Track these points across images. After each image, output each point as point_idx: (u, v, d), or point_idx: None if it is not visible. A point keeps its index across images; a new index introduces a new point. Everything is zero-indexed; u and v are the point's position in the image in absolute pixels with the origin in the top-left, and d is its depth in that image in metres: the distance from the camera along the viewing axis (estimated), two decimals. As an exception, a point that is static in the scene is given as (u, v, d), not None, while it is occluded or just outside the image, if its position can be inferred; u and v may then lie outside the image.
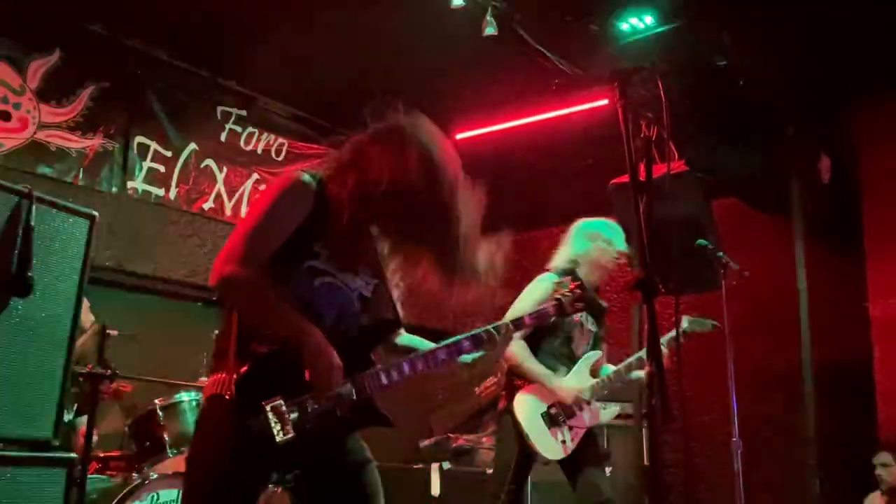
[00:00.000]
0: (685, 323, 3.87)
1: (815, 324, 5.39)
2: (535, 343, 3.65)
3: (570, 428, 3.58)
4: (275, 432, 1.94)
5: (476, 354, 2.31)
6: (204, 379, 4.15)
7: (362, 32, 5.09)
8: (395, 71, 5.44)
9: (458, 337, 2.25)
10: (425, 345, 2.29)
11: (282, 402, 1.96)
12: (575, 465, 3.59)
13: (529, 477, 3.74)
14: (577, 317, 3.68)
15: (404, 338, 2.34)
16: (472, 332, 2.27)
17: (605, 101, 5.43)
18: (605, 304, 3.96)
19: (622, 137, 2.25)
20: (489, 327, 2.29)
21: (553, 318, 2.53)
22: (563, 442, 3.56)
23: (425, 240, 2.17)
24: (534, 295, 3.65)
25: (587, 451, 3.61)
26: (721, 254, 3.96)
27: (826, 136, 5.72)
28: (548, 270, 3.84)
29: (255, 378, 1.98)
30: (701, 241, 3.97)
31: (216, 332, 2.22)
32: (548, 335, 3.67)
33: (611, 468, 5.20)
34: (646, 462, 4.92)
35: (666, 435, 1.92)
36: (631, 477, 5.08)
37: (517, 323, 2.36)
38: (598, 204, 6.23)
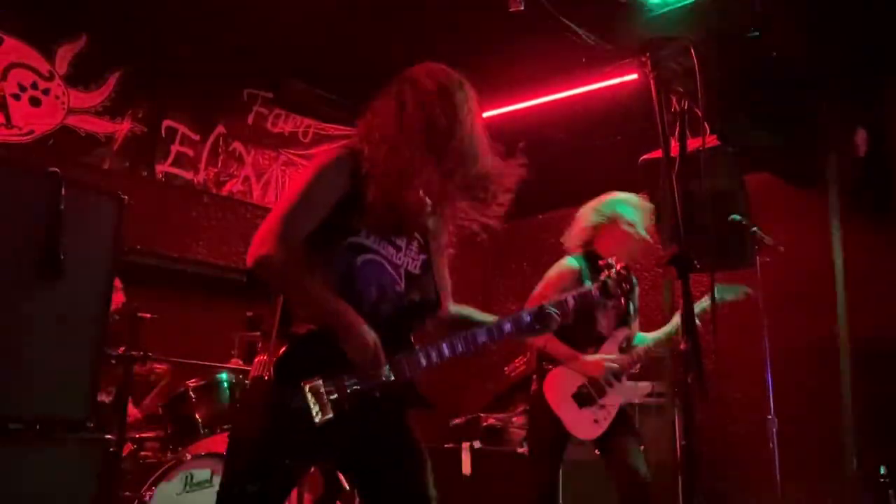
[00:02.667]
0: (717, 292, 3.78)
1: (851, 298, 5.29)
2: (560, 327, 3.61)
3: (602, 406, 3.55)
4: (313, 413, 1.94)
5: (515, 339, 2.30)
6: (237, 360, 4.19)
7: (388, 12, 5.05)
8: (420, 50, 5.39)
9: (501, 320, 2.22)
10: (478, 317, 2.27)
11: (321, 382, 1.96)
12: (609, 444, 3.57)
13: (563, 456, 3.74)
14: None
15: (459, 308, 2.31)
16: (515, 316, 2.23)
17: (634, 76, 5.34)
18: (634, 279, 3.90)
19: (651, 112, 2.20)
20: (533, 311, 2.25)
21: (598, 301, 2.44)
22: (596, 421, 3.53)
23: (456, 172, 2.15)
24: (552, 282, 3.61)
25: (621, 430, 3.58)
26: (755, 229, 3.89)
27: (862, 108, 5.58)
28: (566, 253, 3.77)
29: (294, 359, 1.99)
30: (734, 217, 3.91)
31: (248, 313, 2.24)
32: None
33: (642, 446, 5.18)
34: (678, 439, 4.89)
35: (700, 412, 1.88)
36: (663, 455, 5.05)
37: (561, 306, 2.31)
38: (628, 181, 6.17)
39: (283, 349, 1.99)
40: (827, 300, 5.32)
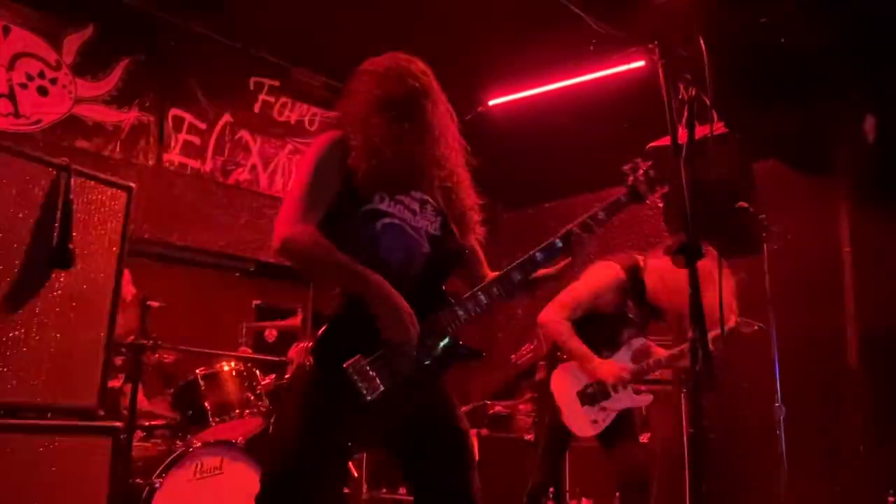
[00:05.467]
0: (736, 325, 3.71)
1: (859, 287, 5.28)
2: (582, 325, 3.60)
3: (603, 409, 3.56)
4: (363, 391, 1.95)
5: (549, 272, 2.28)
6: (245, 348, 4.21)
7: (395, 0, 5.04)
8: (427, 37, 5.37)
9: (531, 252, 2.21)
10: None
11: (362, 359, 1.97)
12: (611, 439, 3.58)
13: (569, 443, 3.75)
14: (634, 316, 3.61)
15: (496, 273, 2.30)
16: (544, 245, 2.22)
17: (641, 63, 5.32)
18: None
19: (659, 100, 2.19)
20: (560, 236, 2.24)
21: (626, 203, 2.40)
22: (595, 422, 3.55)
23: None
24: (594, 283, 3.57)
25: (624, 426, 3.59)
26: (763, 217, 3.88)
27: (871, 95, 5.54)
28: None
29: (332, 340, 2.01)
30: (742, 205, 3.89)
31: (256, 301, 2.25)
32: (595, 321, 3.61)
33: (649, 434, 5.20)
34: (685, 428, 4.89)
35: (707, 401, 1.88)
36: (670, 443, 5.06)
37: (586, 225, 2.27)
38: (635, 169, 6.16)
39: (321, 332, 2.01)
40: (835, 288, 5.31)
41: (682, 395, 5.06)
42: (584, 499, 4.92)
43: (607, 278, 3.58)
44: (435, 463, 2.15)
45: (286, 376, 3.85)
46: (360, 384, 1.95)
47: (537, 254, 2.21)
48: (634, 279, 3.60)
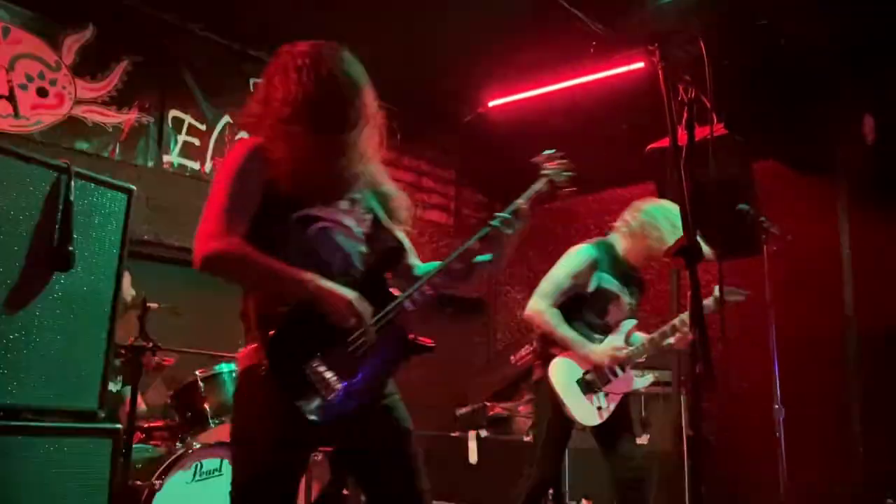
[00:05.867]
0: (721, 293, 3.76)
1: (859, 288, 5.29)
2: (569, 313, 3.62)
3: (606, 394, 3.56)
4: (322, 392, 1.95)
5: (486, 256, 2.26)
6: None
7: (392, 1, 5.04)
8: (426, 39, 5.39)
9: (467, 242, 2.21)
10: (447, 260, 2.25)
11: (319, 356, 1.97)
12: (608, 436, 3.58)
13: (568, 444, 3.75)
14: (612, 288, 3.66)
15: (421, 267, 2.30)
16: (478, 234, 2.22)
17: (640, 64, 5.32)
18: (644, 279, 3.90)
19: (658, 101, 2.19)
20: (490, 224, 2.23)
21: (546, 195, 2.43)
22: (599, 408, 3.54)
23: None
24: (569, 266, 3.63)
25: (620, 422, 3.59)
26: (763, 218, 3.88)
27: (870, 96, 5.55)
28: (571, 242, 3.79)
29: (284, 340, 1.97)
30: (742, 205, 3.90)
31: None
32: (582, 304, 3.64)
33: (649, 436, 5.20)
34: (685, 429, 4.90)
35: (707, 402, 1.89)
36: (669, 444, 5.07)
37: (516, 211, 2.26)
38: (634, 170, 6.16)
39: (271, 333, 1.96)
40: (834, 289, 5.32)
41: (682, 396, 5.06)
42: (584, 500, 4.93)
43: (579, 257, 3.65)
44: (382, 463, 2.14)
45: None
46: (318, 385, 1.95)
47: (474, 244, 2.21)
48: (605, 252, 3.68)
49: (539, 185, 2.41)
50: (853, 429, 5.14)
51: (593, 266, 3.63)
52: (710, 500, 1.93)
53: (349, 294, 2.00)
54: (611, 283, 3.66)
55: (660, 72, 2.15)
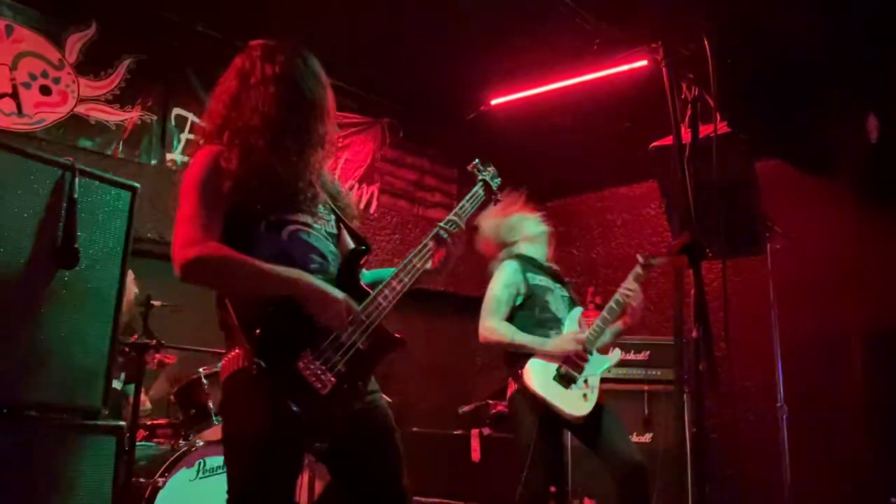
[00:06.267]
0: (641, 259, 3.79)
1: (863, 287, 5.28)
2: (519, 321, 3.67)
3: (585, 380, 3.57)
4: (317, 387, 1.95)
5: (434, 271, 2.32)
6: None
7: (395, -1, 5.04)
8: (428, 36, 5.38)
9: (424, 241, 2.28)
10: (390, 272, 2.26)
11: (309, 355, 1.97)
12: (595, 435, 3.56)
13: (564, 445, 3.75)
14: (541, 282, 3.76)
15: (366, 275, 2.30)
16: (431, 234, 2.30)
17: (643, 63, 5.31)
18: (560, 272, 3.99)
19: (660, 99, 2.20)
20: (440, 225, 2.31)
21: (485, 198, 2.55)
22: (585, 396, 3.55)
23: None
24: (500, 280, 3.73)
25: (604, 418, 3.58)
26: (766, 217, 3.88)
27: (873, 95, 5.54)
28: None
29: (272, 339, 1.95)
30: (746, 204, 3.90)
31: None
32: (526, 309, 3.71)
33: (651, 434, 5.20)
34: (687, 428, 4.90)
35: (709, 400, 1.89)
36: (672, 442, 5.06)
37: (460, 213, 2.37)
38: (637, 168, 6.16)
39: (257, 333, 1.93)
40: (838, 288, 5.31)
41: (684, 394, 5.06)
42: (586, 499, 4.93)
43: (506, 269, 3.76)
44: (369, 461, 2.14)
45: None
46: (312, 381, 1.95)
47: (429, 242, 2.27)
48: (522, 259, 3.81)
49: (478, 189, 2.52)
50: (856, 428, 5.14)
51: (520, 270, 3.75)
52: (713, 498, 1.93)
53: (340, 293, 2.03)
54: (540, 279, 3.77)
55: (663, 70, 2.15)
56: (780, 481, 3.76)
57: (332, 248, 2.22)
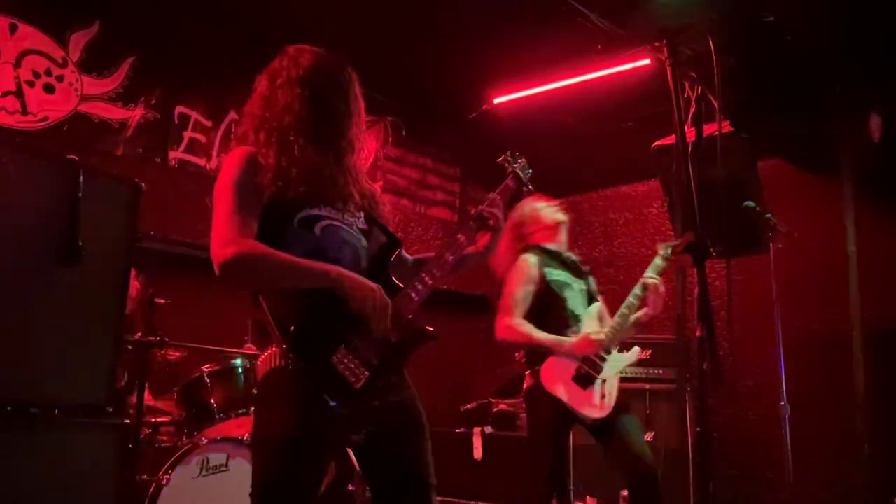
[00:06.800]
0: (661, 249, 3.77)
1: (864, 286, 5.28)
2: (537, 318, 3.64)
3: (604, 381, 3.55)
4: (351, 381, 1.97)
5: (473, 251, 2.39)
6: (250, 345, 4.22)
7: (399, -2, 5.04)
8: (431, 35, 5.38)
9: (455, 235, 2.32)
10: (429, 255, 2.35)
11: (343, 349, 1.99)
12: (611, 434, 3.56)
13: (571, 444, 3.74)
14: (560, 277, 3.72)
15: (412, 260, 2.39)
16: (462, 228, 2.33)
17: (646, 61, 5.31)
18: (581, 263, 3.95)
19: (663, 98, 2.20)
20: (472, 218, 2.36)
21: (515, 189, 2.59)
22: (603, 397, 3.53)
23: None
24: (517, 275, 3.70)
25: (620, 417, 3.57)
26: (769, 215, 3.88)
27: (876, 94, 5.54)
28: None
29: (307, 334, 1.99)
30: (748, 203, 3.90)
31: (250, 320, 2.22)
32: (543, 305, 3.67)
33: (653, 432, 5.20)
34: (689, 426, 4.90)
35: (712, 399, 1.90)
36: (674, 441, 5.07)
37: (492, 200, 2.41)
38: (639, 167, 6.16)
39: (292, 329, 1.97)
40: (840, 287, 5.31)
41: (687, 393, 5.06)
42: (588, 497, 4.93)
43: (525, 264, 3.71)
44: (398, 456, 2.15)
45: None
46: (347, 375, 1.97)
47: (459, 236, 2.31)
48: (541, 251, 3.77)
49: (511, 183, 2.57)
50: (859, 426, 5.14)
51: (537, 266, 3.70)
52: (715, 497, 1.94)
53: (373, 283, 2.05)
54: (559, 274, 3.72)
55: (667, 69, 2.15)
56: (783, 479, 3.76)
57: (364, 243, 2.24)
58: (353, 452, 2.28)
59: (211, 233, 2.06)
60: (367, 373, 2.00)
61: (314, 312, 2.02)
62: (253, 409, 3.63)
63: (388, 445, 2.15)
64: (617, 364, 3.61)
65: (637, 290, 3.62)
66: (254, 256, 2.00)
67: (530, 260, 3.73)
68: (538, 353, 3.60)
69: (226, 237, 2.01)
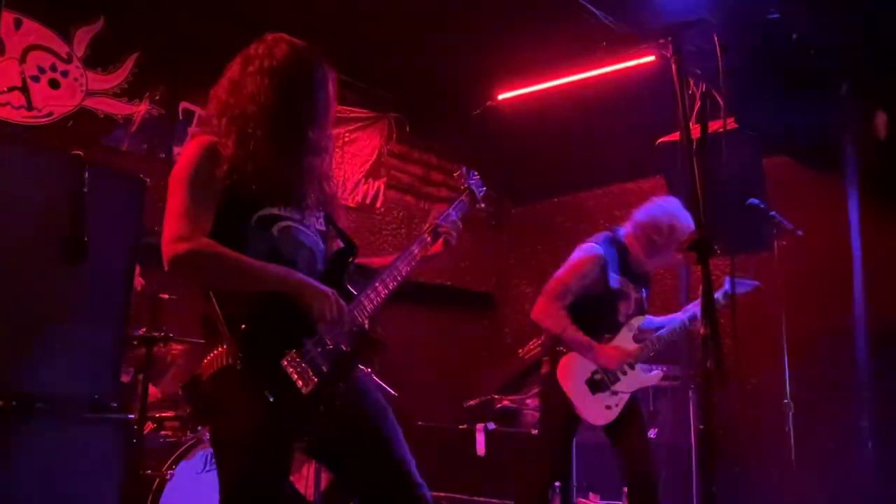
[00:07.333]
0: (727, 285, 3.73)
1: (869, 284, 5.26)
2: (577, 313, 3.60)
3: (615, 393, 3.55)
4: (299, 385, 1.94)
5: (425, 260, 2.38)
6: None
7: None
8: (435, 31, 5.38)
9: (409, 247, 2.32)
10: (377, 261, 2.35)
11: (294, 353, 1.96)
12: (619, 433, 3.57)
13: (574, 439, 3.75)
14: (621, 286, 3.64)
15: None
16: (417, 240, 2.35)
17: (651, 58, 5.29)
18: (649, 272, 3.87)
19: (668, 95, 2.19)
20: (428, 230, 2.38)
21: (469, 205, 2.60)
22: (608, 407, 3.53)
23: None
24: (576, 269, 3.60)
25: (631, 420, 3.58)
26: (773, 213, 3.87)
27: (882, 92, 5.52)
28: (579, 236, 3.79)
29: (258, 335, 1.94)
30: (753, 201, 3.89)
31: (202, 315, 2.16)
32: (591, 305, 3.62)
33: (657, 429, 5.20)
34: (692, 424, 4.90)
35: (717, 396, 1.90)
36: (677, 438, 5.07)
37: (444, 216, 2.44)
38: (644, 164, 6.15)
39: (243, 328, 1.93)
40: (844, 284, 5.30)
41: (691, 391, 5.06)
42: (591, 494, 4.94)
43: (588, 256, 3.61)
44: (362, 447, 2.13)
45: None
46: (296, 379, 1.94)
47: (414, 248, 2.31)
48: (612, 248, 3.65)
49: (465, 198, 2.60)
50: (862, 424, 5.13)
51: (602, 266, 3.60)
52: (719, 494, 1.94)
53: (328, 288, 2.02)
54: (619, 282, 3.65)
55: (672, 65, 2.15)
56: (787, 478, 3.76)
57: (322, 245, 2.22)
58: (315, 460, 2.26)
59: (163, 225, 2.01)
60: (315, 378, 1.96)
61: (266, 313, 1.98)
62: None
63: (348, 448, 2.12)
64: (634, 384, 3.60)
65: (687, 321, 3.57)
66: (208, 256, 1.96)
67: (596, 254, 3.62)
68: (563, 344, 3.60)
69: (179, 233, 1.97)
